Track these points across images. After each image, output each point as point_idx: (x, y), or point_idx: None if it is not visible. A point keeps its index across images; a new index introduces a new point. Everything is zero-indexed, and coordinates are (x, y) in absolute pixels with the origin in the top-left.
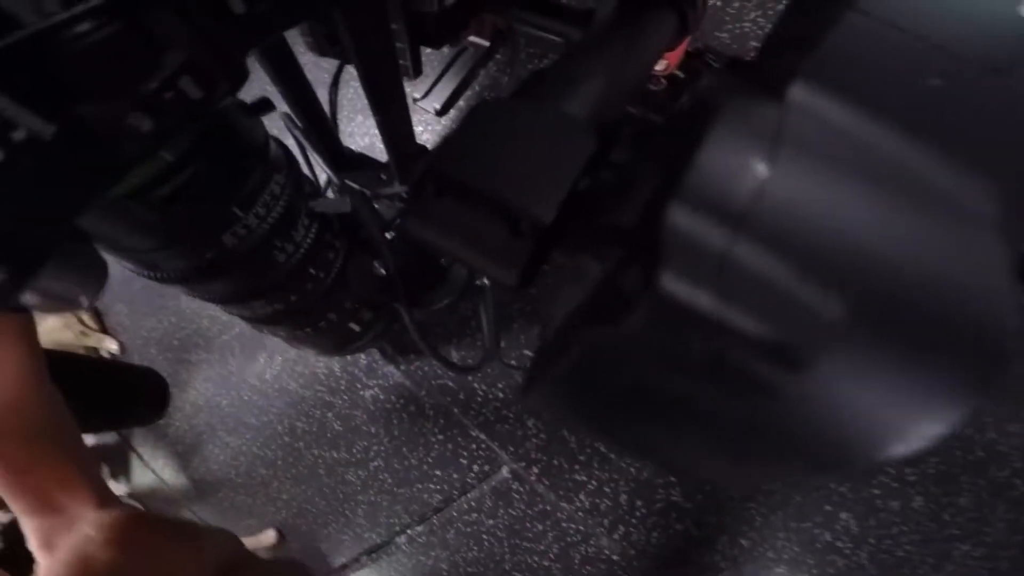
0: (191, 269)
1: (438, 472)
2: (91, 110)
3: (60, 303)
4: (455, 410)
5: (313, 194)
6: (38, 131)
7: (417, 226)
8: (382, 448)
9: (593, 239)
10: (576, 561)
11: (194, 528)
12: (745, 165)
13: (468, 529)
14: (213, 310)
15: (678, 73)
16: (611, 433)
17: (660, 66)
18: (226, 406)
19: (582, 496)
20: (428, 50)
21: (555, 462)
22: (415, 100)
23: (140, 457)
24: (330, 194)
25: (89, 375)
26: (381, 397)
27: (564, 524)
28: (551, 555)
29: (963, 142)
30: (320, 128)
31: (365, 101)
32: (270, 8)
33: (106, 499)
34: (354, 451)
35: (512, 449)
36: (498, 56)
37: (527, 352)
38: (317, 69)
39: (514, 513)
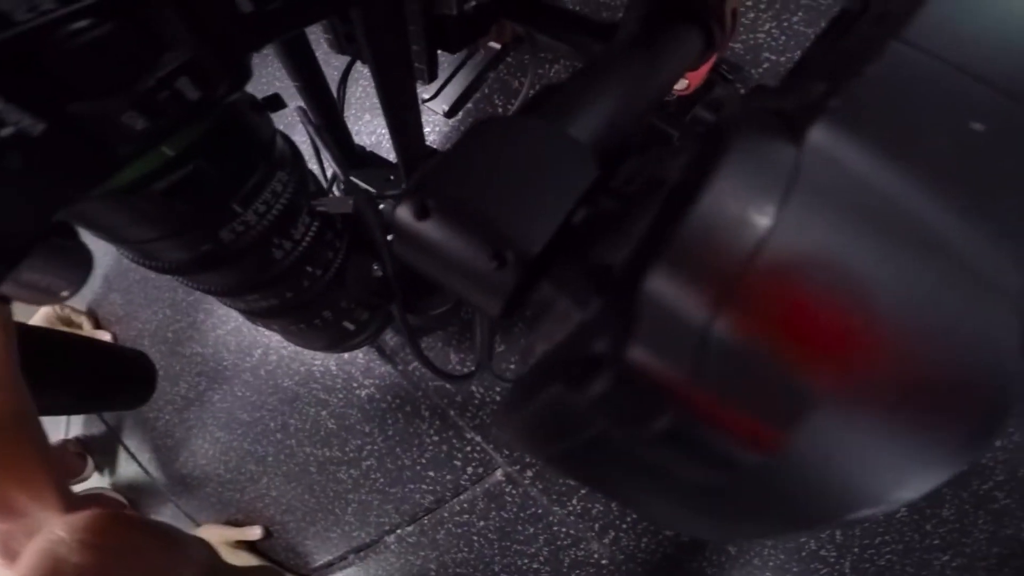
0: (187, 261)
1: (431, 473)
2: (83, 108)
3: (40, 295)
4: (451, 412)
5: (317, 192)
6: (26, 128)
7: (401, 245)
8: (375, 448)
9: (578, 279)
10: (565, 564)
11: (172, 532)
12: (746, 218)
13: (459, 530)
14: (209, 303)
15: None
16: (583, 480)
17: (680, 85)
18: (218, 401)
19: (574, 500)
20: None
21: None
22: (424, 101)
23: (127, 449)
24: (336, 191)
25: (75, 354)
26: (376, 396)
27: (555, 528)
28: (541, 558)
29: (996, 200)
30: (334, 124)
31: (374, 99)
32: (280, 7)
33: (71, 502)
34: (347, 450)
35: (507, 452)
36: (509, 59)
37: None
38: (326, 66)
39: (506, 516)
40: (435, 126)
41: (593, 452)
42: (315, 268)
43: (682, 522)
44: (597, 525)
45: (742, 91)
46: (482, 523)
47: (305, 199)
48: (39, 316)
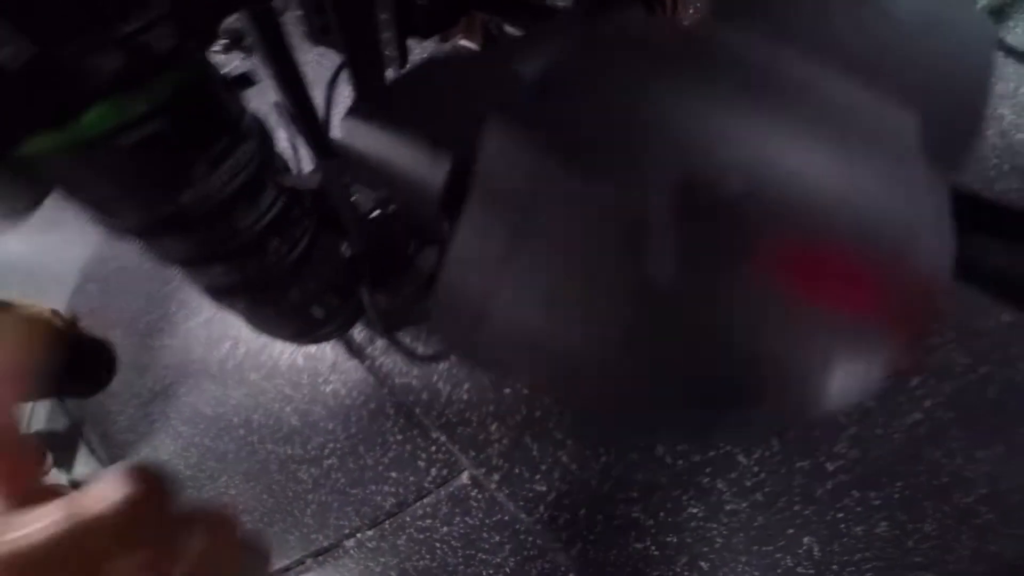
0: (148, 223)
1: (394, 474)
2: (66, 43)
3: None
4: (416, 410)
5: (285, 170)
6: (6, 59)
7: (354, 129)
8: (338, 446)
9: None
10: None
11: None
12: None
13: (421, 536)
14: (184, 294)
15: None
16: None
17: None
18: (183, 394)
19: (541, 508)
20: (418, 50)
21: (516, 470)
22: None
23: (88, 445)
24: None
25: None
26: (342, 392)
27: (522, 536)
28: (507, 569)
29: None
30: (307, 116)
31: None
32: None
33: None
34: (308, 448)
35: (473, 454)
36: None
37: None
38: (318, 67)
39: (471, 522)
40: None
41: None
42: (281, 243)
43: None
44: (564, 535)
45: None
46: (445, 529)
47: (271, 174)
48: None
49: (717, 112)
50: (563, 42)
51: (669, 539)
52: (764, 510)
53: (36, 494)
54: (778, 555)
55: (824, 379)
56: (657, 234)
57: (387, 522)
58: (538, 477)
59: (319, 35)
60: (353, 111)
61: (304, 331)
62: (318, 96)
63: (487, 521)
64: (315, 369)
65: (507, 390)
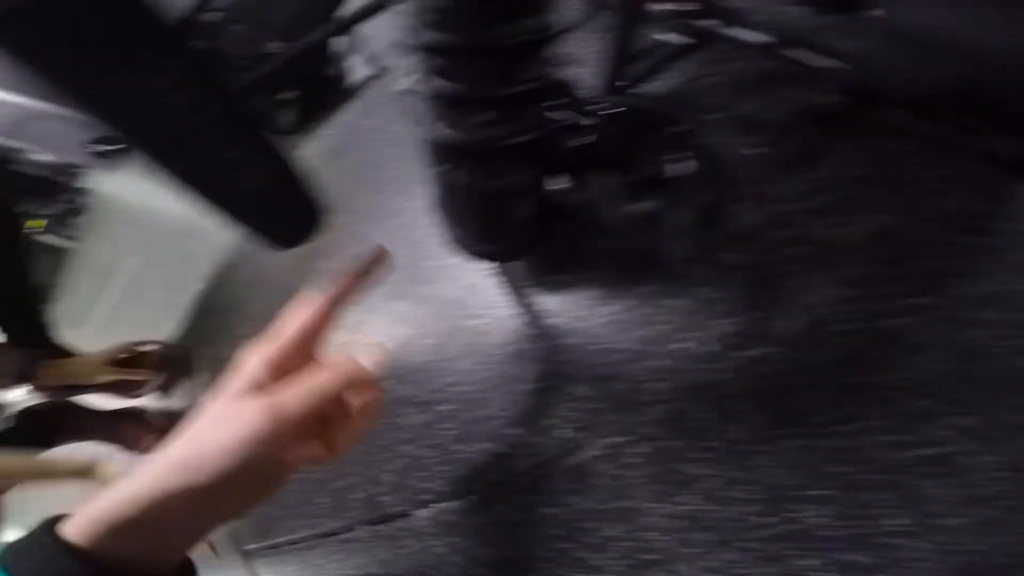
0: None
1: (512, 431)
2: None
3: None
4: (566, 357)
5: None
6: None
7: None
8: (460, 389)
9: None
10: None
11: None
12: None
13: (516, 516)
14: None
15: None
16: None
17: None
18: None
19: (687, 497)
20: None
21: (671, 444)
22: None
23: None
24: None
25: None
26: (486, 329)
27: (643, 535)
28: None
29: None
30: None
31: None
32: None
33: None
34: (427, 389)
35: (620, 417)
36: None
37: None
38: None
39: (585, 505)
40: None
41: None
42: (536, 113)
43: None
44: (705, 539)
45: None
46: (550, 511)
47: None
48: None
49: None
50: None
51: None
52: None
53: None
54: None
55: None
56: None
57: (478, 494)
58: (699, 458)
59: None
60: None
61: (490, 234)
62: None
63: (607, 507)
64: (464, 302)
65: (679, 344)
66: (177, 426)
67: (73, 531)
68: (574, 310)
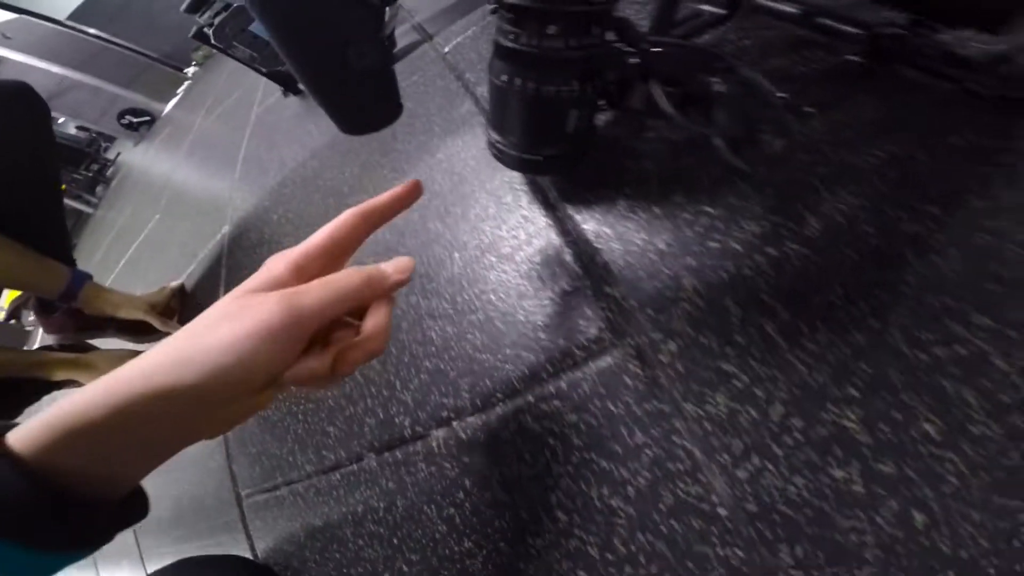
0: None
1: (541, 336)
2: None
3: None
4: (597, 258)
5: None
6: None
7: None
8: (492, 297)
9: None
10: (666, 500)
11: None
12: None
13: (536, 426)
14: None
15: None
16: None
17: None
18: None
19: (718, 398)
20: None
21: (703, 339)
22: None
23: None
24: None
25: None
26: (521, 237)
27: (675, 441)
28: (636, 486)
29: None
30: None
31: None
32: None
33: None
34: (457, 301)
35: (651, 313)
36: None
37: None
38: None
39: (613, 410)
40: None
41: None
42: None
43: None
44: (730, 451)
45: None
46: (573, 417)
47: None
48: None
49: None
50: None
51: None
52: None
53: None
54: None
55: None
56: None
57: (499, 406)
58: (730, 353)
59: None
60: None
61: (540, 139)
62: None
63: (634, 412)
64: (499, 217)
65: (713, 243)
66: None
67: (22, 438)
68: (606, 219)
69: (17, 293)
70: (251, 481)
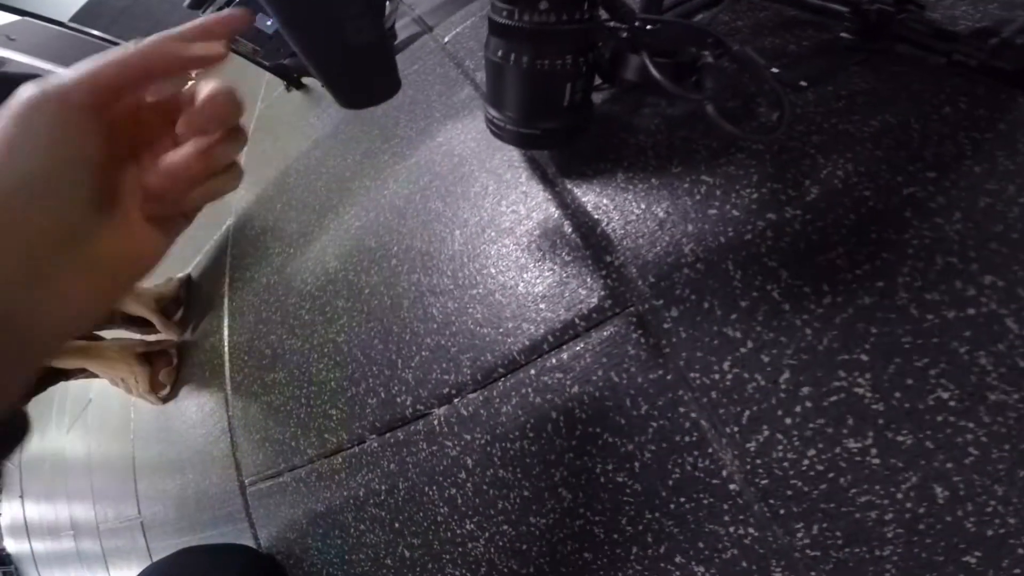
0: None
1: (542, 306)
2: None
3: None
4: (598, 228)
5: None
6: None
7: None
8: (493, 271)
9: None
10: (674, 474)
11: None
12: None
13: (537, 400)
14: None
15: None
16: None
17: None
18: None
19: (724, 365)
20: None
21: (705, 304)
22: None
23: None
24: None
25: None
26: (521, 211)
27: (681, 412)
28: (641, 459)
29: None
30: None
31: None
32: None
33: None
34: (459, 276)
35: (652, 279)
36: None
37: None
38: None
39: (615, 379)
40: None
41: None
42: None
43: None
44: (743, 419)
45: None
46: (575, 388)
47: None
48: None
49: None
50: None
51: None
52: None
53: None
54: None
55: None
56: None
57: (501, 381)
58: (734, 318)
59: None
60: None
61: (537, 113)
62: None
63: (639, 381)
64: (500, 193)
65: (712, 210)
66: None
67: None
68: (604, 191)
69: None
70: (255, 468)
